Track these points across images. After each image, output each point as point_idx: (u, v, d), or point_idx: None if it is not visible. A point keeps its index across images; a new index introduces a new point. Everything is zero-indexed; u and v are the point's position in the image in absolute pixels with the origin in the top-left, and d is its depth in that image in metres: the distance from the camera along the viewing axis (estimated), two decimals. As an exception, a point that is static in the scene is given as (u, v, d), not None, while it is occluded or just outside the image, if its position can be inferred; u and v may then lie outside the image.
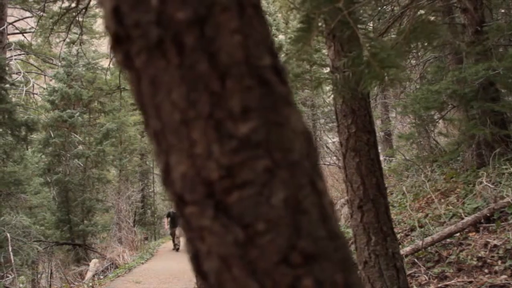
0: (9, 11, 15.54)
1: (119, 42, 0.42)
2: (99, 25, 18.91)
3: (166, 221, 13.79)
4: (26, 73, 15.11)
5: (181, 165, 0.41)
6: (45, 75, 16.82)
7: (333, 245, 0.42)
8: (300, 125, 0.43)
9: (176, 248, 13.81)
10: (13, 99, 11.82)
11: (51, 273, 10.46)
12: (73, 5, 8.89)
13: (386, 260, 2.15)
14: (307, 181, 0.42)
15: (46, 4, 11.05)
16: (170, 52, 0.40)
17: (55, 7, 11.55)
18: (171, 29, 0.39)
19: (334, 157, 14.81)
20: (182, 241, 12.96)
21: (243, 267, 0.39)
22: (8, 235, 9.72)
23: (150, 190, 21.31)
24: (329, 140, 18.94)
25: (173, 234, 13.69)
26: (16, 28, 16.19)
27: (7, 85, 9.69)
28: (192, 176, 0.41)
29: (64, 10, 8.95)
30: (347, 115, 2.22)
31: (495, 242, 4.83)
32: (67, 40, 9.51)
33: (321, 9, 1.15)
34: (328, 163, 14.82)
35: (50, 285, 9.93)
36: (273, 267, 0.39)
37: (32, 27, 15.83)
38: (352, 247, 5.38)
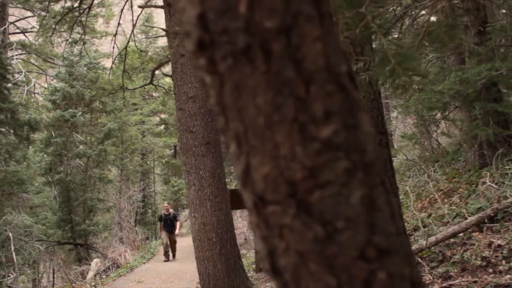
0: (10, 10, 15.53)
1: (202, 47, 0.44)
2: (100, 24, 18.88)
3: (160, 226, 12.22)
4: (27, 73, 15.10)
5: (264, 166, 0.43)
6: (46, 75, 16.82)
7: (400, 240, 0.44)
8: (370, 128, 0.45)
9: (167, 258, 11.97)
10: (14, 99, 11.81)
11: (54, 272, 10.46)
12: (76, 4, 8.90)
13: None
14: (379, 181, 0.44)
15: (43, 3, 11.05)
16: (257, 58, 0.41)
17: (57, 7, 11.56)
18: (259, 37, 0.41)
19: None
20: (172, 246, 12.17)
21: (321, 263, 0.41)
22: (10, 234, 9.73)
23: (151, 190, 21.32)
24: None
25: (167, 242, 11.91)
26: (17, 28, 16.17)
27: (10, 85, 9.69)
28: (275, 176, 0.43)
29: (67, 10, 8.95)
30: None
31: (499, 242, 4.85)
32: (69, 40, 9.51)
33: (344, 14, 1.16)
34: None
35: (53, 285, 9.93)
36: (351, 262, 0.41)
37: (34, 27, 15.82)
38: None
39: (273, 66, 0.41)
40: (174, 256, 12.38)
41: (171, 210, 12.19)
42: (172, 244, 12.21)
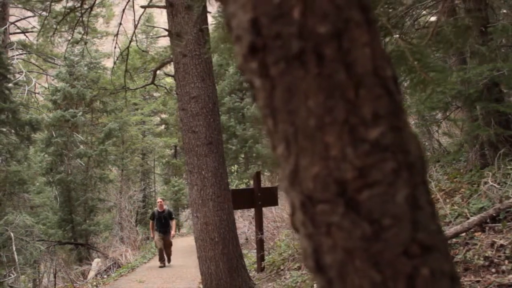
0: (11, 10, 15.53)
1: (254, 51, 0.46)
2: (100, 24, 18.87)
3: (151, 225, 10.29)
4: (27, 73, 15.10)
5: (313, 166, 0.44)
6: (46, 75, 16.83)
7: (440, 237, 0.46)
8: (412, 129, 0.46)
9: (163, 264, 10.51)
10: (15, 99, 11.82)
11: (55, 272, 10.47)
12: (78, 4, 8.90)
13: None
14: (421, 180, 0.46)
15: (46, 4, 11.06)
16: (310, 62, 0.43)
17: (58, 7, 11.57)
18: (312, 41, 0.43)
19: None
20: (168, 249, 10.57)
21: (367, 259, 0.43)
22: (12, 234, 9.75)
23: (151, 190, 21.34)
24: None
25: (161, 246, 10.27)
26: (18, 28, 16.17)
27: (10, 85, 9.70)
28: (325, 176, 0.44)
29: (68, 10, 8.95)
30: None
31: (502, 241, 4.87)
32: (70, 40, 9.52)
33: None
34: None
35: (55, 285, 9.94)
36: (395, 259, 0.43)
37: (34, 27, 15.82)
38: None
39: (325, 69, 0.43)
40: (169, 260, 10.81)
41: (165, 207, 10.35)
42: (167, 247, 10.46)
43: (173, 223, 10.45)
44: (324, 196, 0.45)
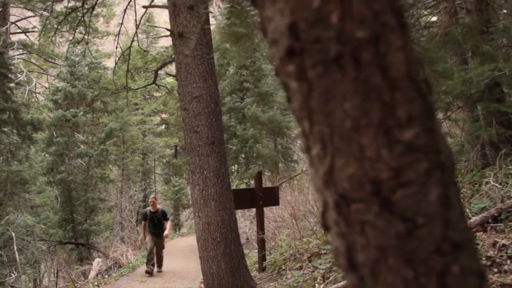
0: (11, 10, 15.53)
1: (292, 55, 0.47)
2: (100, 24, 18.86)
3: (143, 226, 9.36)
4: (28, 73, 15.11)
5: (349, 167, 0.46)
6: (47, 75, 16.84)
7: (469, 236, 0.47)
8: (441, 131, 0.47)
9: (150, 270, 9.27)
10: (16, 98, 11.83)
11: (57, 272, 10.47)
12: (79, 4, 8.91)
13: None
14: (451, 180, 0.47)
15: (48, 4, 11.06)
16: (347, 66, 0.44)
17: (58, 7, 11.57)
18: (350, 46, 0.44)
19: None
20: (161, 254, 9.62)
21: (400, 257, 0.44)
22: (13, 234, 9.75)
23: (152, 190, 21.35)
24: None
25: (152, 248, 9.19)
26: (19, 28, 16.18)
27: (12, 84, 9.71)
28: (360, 176, 0.45)
29: (70, 10, 8.96)
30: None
31: (504, 241, 4.88)
32: (72, 39, 9.53)
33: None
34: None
35: (56, 284, 9.94)
36: (428, 256, 0.44)
37: (35, 27, 15.83)
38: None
39: (362, 73, 0.44)
40: (160, 265, 9.67)
41: (159, 207, 9.35)
42: (159, 250, 9.44)
43: (168, 224, 9.28)
44: (359, 196, 0.46)
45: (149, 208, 9.34)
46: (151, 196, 9.94)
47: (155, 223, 9.15)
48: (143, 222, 9.40)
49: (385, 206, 0.45)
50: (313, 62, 0.46)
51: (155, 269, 9.63)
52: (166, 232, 9.26)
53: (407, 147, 0.45)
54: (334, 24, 0.44)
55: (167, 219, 9.35)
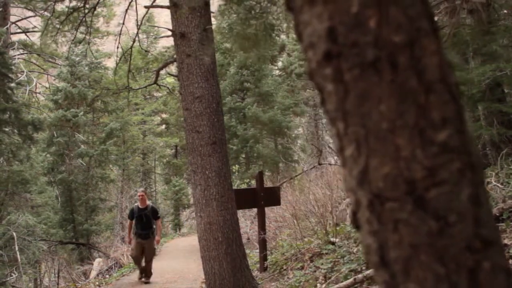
0: (11, 10, 15.54)
1: (329, 58, 0.49)
2: (101, 24, 18.87)
3: (128, 226, 7.85)
4: (29, 73, 15.12)
5: (384, 166, 0.47)
6: (47, 74, 16.84)
7: (497, 233, 0.49)
8: (471, 133, 0.49)
9: (141, 277, 8.23)
10: (17, 98, 11.85)
11: (59, 272, 10.48)
12: (81, 4, 8.91)
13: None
14: (480, 180, 0.49)
15: (50, 4, 11.06)
16: (384, 69, 0.46)
17: (59, 7, 11.56)
18: (387, 50, 0.46)
19: (336, 157, 14.91)
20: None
21: (432, 254, 0.46)
22: (14, 234, 9.76)
23: (152, 190, 21.36)
24: (331, 140, 18.96)
25: (137, 255, 7.74)
26: (19, 27, 16.18)
27: (13, 84, 9.72)
28: (395, 176, 0.47)
29: (71, 10, 8.96)
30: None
31: (506, 241, 4.91)
32: (74, 39, 9.54)
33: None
34: (330, 163, 14.91)
35: (58, 284, 9.95)
36: (459, 253, 0.46)
37: (35, 26, 15.84)
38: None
39: (398, 76, 0.46)
40: (148, 275, 8.19)
41: (148, 202, 7.86)
42: (148, 256, 7.83)
43: (159, 224, 7.87)
44: (394, 195, 0.48)
45: (137, 204, 7.88)
46: (140, 189, 8.27)
47: (143, 222, 7.62)
48: (129, 221, 7.82)
49: (419, 204, 0.47)
50: (350, 65, 0.47)
51: (143, 278, 8.17)
52: (157, 238, 7.79)
53: (441, 147, 0.46)
54: (372, 29, 0.46)
55: (157, 218, 7.85)
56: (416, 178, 0.46)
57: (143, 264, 8.03)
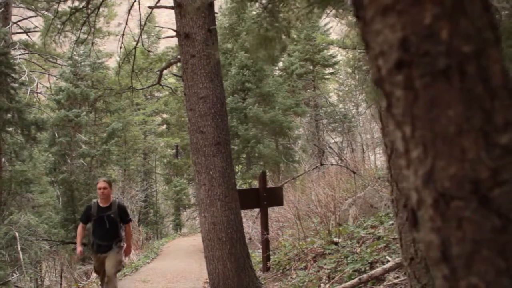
0: (12, 10, 15.55)
1: (400, 66, 0.52)
2: (101, 24, 18.88)
3: (79, 232, 5.44)
4: (30, 73, 15.14)
5: (451, 167, 0.51)
6: (49, 74, 16.85)
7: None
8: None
9: None
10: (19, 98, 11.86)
11: (62, 272, 10.48)
12: (83, 4, 8.92)
13: (432, 256, 2.25)
14: None
15: (52, 4, 11.07)
16: (453, 77, 0.49)
17: (61, 7, 11.58)
18: (457, 59, 0.49)
19: (337, 157, 14.94)
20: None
21: (493, 249, 0.49)
22: (17, 234, 9.77)
23: (153, 190, 21.37)
24: (332, 140, 19.04)
25: (101, 265, 5.37)
26: (20, 27, 16.19)
27: (16, 84, 9.73)
28: (461, 176, 0.50)
29: (74, 10, 8.97)
30: (392, 118, 2.32)
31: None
32: (76, 39, 9.55)
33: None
34: (331, 163, 14.93)
35: (61, 284, 9.96)
36: None
37: (36, 26, 15.85)
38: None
39: (466, 83, 0.49)
40: None
41: (113, 198, 5.49)
42: (110, 268, 5.19)
43: (128, 231, 5.49)
44: (459, 194, 0.51)
45: (96, 200, 5.37)
46: (101, 179, 5.49)
47: (105, 229, 5.17)
48: (80, 225, 5.43)
49: (483, 203, 0.50)
50: (421, 73, 0.51)
51: None
52: (126, 250, 5.50)
53: (504, 150, 0.50)
54: (443, 40, 0.49)
55: (127, 221, 5.48)
56: (480, 178, 0.50)
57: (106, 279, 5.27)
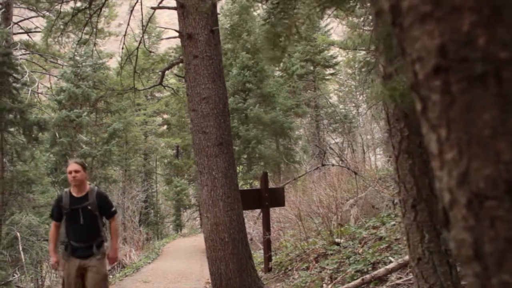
0: (13, 10, 15.57)
1: (438, 71, 0.54)
2: (102, 24, 18.89)
3: (52, 234, 4.19)
4: (31, 73, 15.16)
5: (485, 169, 0.53)
6: (50, 75, 16.87)
7: None
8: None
9: None
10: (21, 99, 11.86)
11: (62, 271, 10.47)
12: (86, 5, 8.95)
13: (440, 256, 2.28)
14: None
15: (53, 4, 11.10)
16: (490, 83, 0.51)
17: (63, 8, 11.60)
18: (493, 65, 0.51)
19: (337, 158, 14.97)
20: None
21: None
22: (18, 234, 9.78)
23: (153, 190, 21.39)
24: (332, 141, 19.06)
25: (77, 276, 4.03)
26: (21, 28, 16.21)
27: (19, 85, 9.74)
28: (495, 177, 0.52)
29: (76, 11, 9.00)
30: (400, 119, 2.35)
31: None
32: (78, 40, 9.57)
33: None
34: (332, 164, 14.95)
35: (62, 284, 9.96)
36: None
37: (37, 27, 15.87)
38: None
39: (502, 89, 0.52)
40: None
41: (90, 186, 4.34)
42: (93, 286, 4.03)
43: (114, 226, 4.41)
44: (493, 194, 0.53)
45: (68, 189, 4.25)
46: (71, 160, 4.53)
47: (79, 225, 4.06)
48: (52, 225, 4.27)
49: None
50: (459, 79, 0.53)
51: None
52: (112, 248, 4.37)
53: None
54: (481, 46, 0.51)
55: (111, 215, 4.36)
56: (515, 179, 0.52)
57: None
